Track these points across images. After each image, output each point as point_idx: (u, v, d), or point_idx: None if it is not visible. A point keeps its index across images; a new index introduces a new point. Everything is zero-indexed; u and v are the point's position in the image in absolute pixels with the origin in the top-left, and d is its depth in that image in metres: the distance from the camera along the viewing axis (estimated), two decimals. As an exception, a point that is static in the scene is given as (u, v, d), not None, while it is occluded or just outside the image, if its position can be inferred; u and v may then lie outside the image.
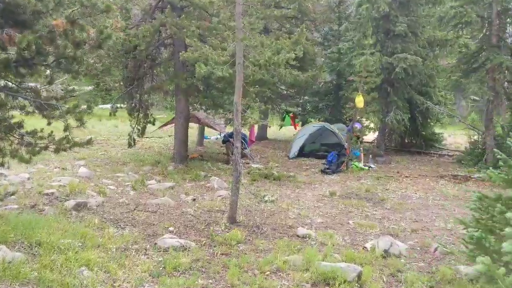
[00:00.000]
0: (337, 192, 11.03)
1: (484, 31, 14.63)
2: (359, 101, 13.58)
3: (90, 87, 34.21)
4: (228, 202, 9.26)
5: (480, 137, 16.05)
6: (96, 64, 12.95)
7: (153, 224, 7.69)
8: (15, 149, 6.14)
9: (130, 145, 13.62)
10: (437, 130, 19.57)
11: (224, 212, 8.65)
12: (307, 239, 7.34)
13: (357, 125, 14.84)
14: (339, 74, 19.88)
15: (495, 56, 13.54)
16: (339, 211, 9.37)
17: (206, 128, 18.00)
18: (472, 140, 16.51)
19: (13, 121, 6.00)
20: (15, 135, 6.07)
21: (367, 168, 14.55)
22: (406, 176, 13.57)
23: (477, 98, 19.93)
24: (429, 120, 18.44)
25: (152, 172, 12.31)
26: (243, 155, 15.12)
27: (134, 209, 8.53)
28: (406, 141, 18.59)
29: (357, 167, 14.49)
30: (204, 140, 19.11)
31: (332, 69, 19.57)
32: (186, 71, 12.35)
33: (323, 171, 13.81)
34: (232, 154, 15.37)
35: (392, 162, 16.14)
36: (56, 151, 6.55)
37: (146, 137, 19.45)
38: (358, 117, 14.03)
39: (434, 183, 12.74)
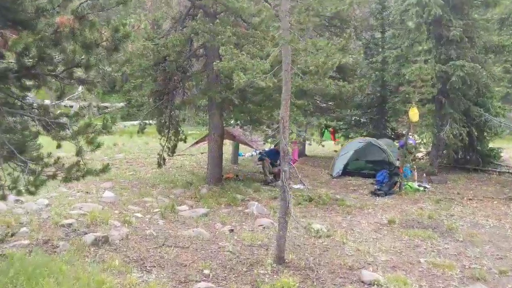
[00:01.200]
0: (395, 219, 9.52)
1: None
2: (414, 114, 12.06)
3: (121, 104, 33.69)
4: (272, 234, 7.94)
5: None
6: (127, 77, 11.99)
7: (185, 265, 6.41)
8: (15, 179, 4.98)
9: (159, 165, 12.48)
10: (493, 144, 17.69)
11: (268, 247, 7.30)
12: (375, 286, 5.90)
13: (411, 141, 13.30)
14: (383, 85, 18.36)
15: None
16: (404, 245, 7.87)
17: (240, 144, 16.79)
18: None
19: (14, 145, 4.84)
20: (16, 161, 4.91)
21: (422, 189, 12.94)
22: (470, 199, 11.90)
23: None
24: (485, 134, 16.62)
25: (184, 195, 11.09)
26: (275, 173, 13.79)
27: (163, 244, 7.28)
28: (459, 157, 16.79)
29: (411, 188, 12.90)
30: (238, 157, 17.87)
31: (376, 80, 18.07)
32: (220, 84, 11.16)
33: (374, 193, 12.30)
34: (271, 174, 14.20)
35: (448, 181, 14.45)
36: (66, 180, 5.36)
37: (178, 155, 18.49)
38: (411, 132, 12.47)
39: (504, 207, 11.04)
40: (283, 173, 6.37)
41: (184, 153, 18.34)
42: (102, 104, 43.05)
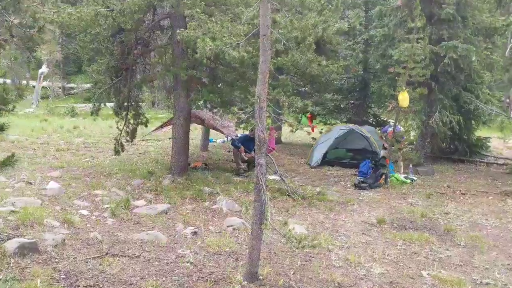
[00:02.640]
0: (385, 218, 8.31)
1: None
2: (404, 98, 10.83)
3: (88, 85, 31.55)
4: (243, 238, 6.60)
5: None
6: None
7: (131, 284, 4.99)
8: None
9: (117, 152, 10.94)
10: (480, 134, 16.71)
11: (238, 256, 5.95)
12: (373, 314, 4.63)
13: (398, 129, 12.12)
14: (366, 68, 17.12)
15: None
16: (399, 252, 6.64)
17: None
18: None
19: None
20: None
21: (409, 181, 11.80)
22: (462, 193, 10.80)
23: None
24: (473, 123, 15.60)
25: (143, 187, 9.61)
26: (248, 161, 12.42)
27: (107, 253, 5.83)
28: (444, 146, 15.73)
29: (397, 180, 11.75)
30: (209, 143, 16.40)
31: (358, 62, 16.81)
32: (187, 59, 9.65)
33: (358, 186, 11.07)
34: (244, 162, 12.81)
35: (435, 173, 13.38)
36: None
37: (142, 140, 16.90)
38: (401, 119, 11.25)
39: (501, 203, 9.98)
40: (259, 167, 4.99)
41: (150, 138, 16.80)
42: (67, 85, 40.91)
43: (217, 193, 9.41)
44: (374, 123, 17.74)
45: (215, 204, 8.56)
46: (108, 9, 8.93)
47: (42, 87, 36.45)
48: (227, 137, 14.60)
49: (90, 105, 26.54)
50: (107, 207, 7.91)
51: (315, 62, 10.18)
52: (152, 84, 15.06)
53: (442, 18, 12.80)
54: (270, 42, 4.89)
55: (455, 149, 15.73)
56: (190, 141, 17.93)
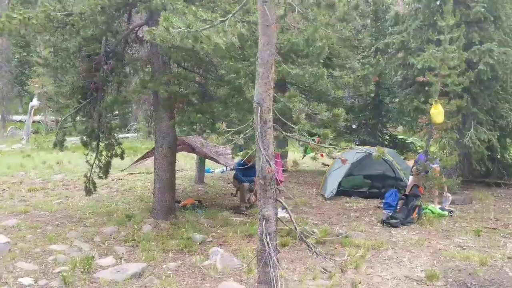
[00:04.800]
0: (436, 271, 6.17)
1: None
2: (438, 112, 8.83)
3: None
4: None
5: None
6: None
7: None
8: None
9: (89, 192, 8.90)
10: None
11: None
12: None
13: (422, 157, 10.06)
14: (379, 84, 15.17)
15: None
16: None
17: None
18: None
19: None
20: None
21: (447, 213, 9.68)
22: (518, 227, 8.70)
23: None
24: (508, 140, 13.54)
25: (116, 237, 7.54)
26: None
27: None
28: (478, 168, 13.59)
29: (433, 213, 9.64)
30: (206, 174, 14.35)
31: (379, 74, 14.86)
32: (169, 73, 7.71)
33: (386, 222, 8.95)
34: (248, 199, 10.66)
35: (473, 201, 11.26)
36: None
37: (130, 174, 14.88)
38: (436, 136, 9.20)
39: None
40: (264, 223, 2.96)
41: (139, 170, 14.80)
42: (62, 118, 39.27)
43: (210, 241, 7.32)
44: (390, 144, 15.69)
45: (207, 259, 6.46)
46: (65, 12, 7.04)
47: (34, 121, 34.74)
48: (226, 167, 12.53)
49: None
50: (58, 272, 5.82)
51: (323, 76, 8.24)
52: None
53: (471, 19, 10.90)
54: (275, 14, 2.91)
55: (487, 171, 13.60)
56: (185, 172, 16.04)
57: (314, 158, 5.24)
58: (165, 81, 7.38)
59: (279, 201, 3.47)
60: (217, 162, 10.16)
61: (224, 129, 3.84)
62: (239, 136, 5.66)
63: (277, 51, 7.32)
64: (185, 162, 16.64)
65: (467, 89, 11.17)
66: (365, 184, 12.86)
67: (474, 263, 6.58)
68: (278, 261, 3.06)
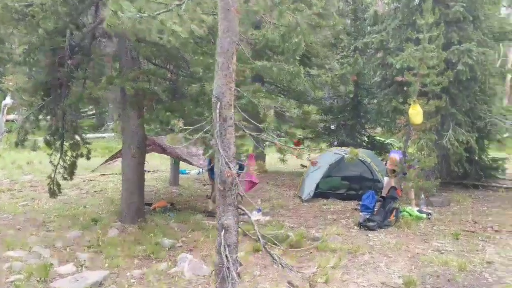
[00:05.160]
0: (413, 277, 5.93)
1: None
2: (416, 113, 8.64)
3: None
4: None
5: None
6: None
7: None
8: None
9: (53, 194, 8.44)
10: (495, 153, 14.55)
11: None
12: None
13: (396, 155, 9.85)
14: (358, 84, 14.97)
15: None
16: None
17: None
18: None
19: None
20: None
21: (425, 216, 9.49)
22: (496, 230, 8.52)
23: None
24: (486, 141, 13.44)
25: (79, 242, 7.12)
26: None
27: None
28: (456, 170, 13.46)
29: (411, 215, 9.43)
30: (181, 175, 13.95)
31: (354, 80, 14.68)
32: (137, 69, 7.33)
33: (363, 225, 8.71)
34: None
35: (451, 203, 11.12)
36: None
37: (102, 174, 14.38)
38: (415, 137, 9.00)
39: (552, 243, 7.71)
40: (223, 232, 2.63)
41: (111, 171, 14.31)
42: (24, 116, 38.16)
43: (180, 246, 6.96)
44: (369, 145, 15.50)
45: (175, 266, 6.10)
46: (24, 3, 6.60)
47: (7, 120, 33.69)
48: (201, 169, 12.14)
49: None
50: (12, 281, 5.39)
51: (300, 74, 7.94)
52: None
53: (450, 18, 10.75)
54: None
55: (465, 172, 13.49)
56: (160, 174, 15.59)
57: (282, 160, 4.92)
58: (132, 77, 6.99)
59: (240, 208, 3.14)
60: (190, 163, 9.78)
61: (180, 127, 3.49)
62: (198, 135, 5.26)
63: (252, 47, 7.03)
64: (161, 163, 16.20)
65: (446, 89, 11.03)
66: (342, 186, 12.65)
67: (453, 268, 6.36)
68: (238, 276, 2.74)
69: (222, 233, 2.73)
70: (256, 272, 6.06)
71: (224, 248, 2.72)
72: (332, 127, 15.87)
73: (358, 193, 11.40)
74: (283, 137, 15.65)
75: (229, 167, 2.66)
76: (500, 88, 13.43)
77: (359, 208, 10.10)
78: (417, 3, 11.12)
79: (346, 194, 11.91)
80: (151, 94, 7.17)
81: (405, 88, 8.88)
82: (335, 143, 15.33)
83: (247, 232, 3.92)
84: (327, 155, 11.91)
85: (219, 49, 2.77)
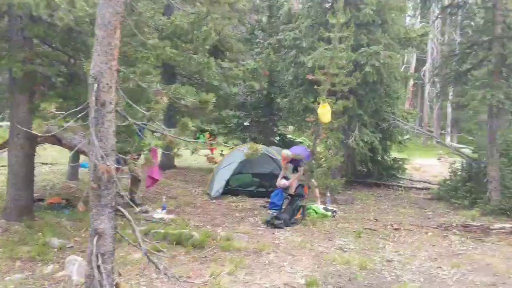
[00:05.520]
0: (316, 277, 5.88)
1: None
2: (325, 112, 8.67)
3: None
4: None
5: (465, 163, 11.95)
6: None
7: None
8: None
9: None
10: (397, 154, 15.29)
11: None
12: None
13: (300, 151, 9.88)
14: (271, 81, 14.99)
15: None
16: None
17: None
18: (452, 168, 12.34)
19: None
20: None
21: (330, 214, 9.63)
22: (396, 229, 8.82)
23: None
24: (388, 142, 14.05)
25: (-49, 243, 6.24)
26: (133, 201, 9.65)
27: None
28: (360, 169, 13.94)
29: (317, 213, 9.52)
30: (82, 169, 13.02)
31: (266, 75, 14.64)
32: (28, 50, 6.57)
33: (271, 223, 8.61)
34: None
35: (355, 201, 11.44)
36: None
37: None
38: (323, 136, 9.07)
39: (445, 241, 8.08)
40: (96, 239, 2.23)
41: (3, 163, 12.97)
42: None
43: (71, 247, 6.35)
44: (280, 143, 15.60)
45: (62, 269, 5.51)
46: None
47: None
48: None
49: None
50: None
51: (211, 66, 7.65)
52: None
53: (360, 21, 11.02)
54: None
55: (368, 171, 14.02)
56: (59, 167, 14.46)
57: (177, 155, 4.57)
58: (21, 58, 6.24)
59: (119, 209, 2.76)
60: (87, 155, 9.05)
61: (51, 112, 3.02)
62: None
63: (159, 35, 6.58)
64: (61, 155, 15.05)
65: (353, 90, 11.32)
66: (253, 183, 12.55)
67: (354, 267, 6.41)
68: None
69: (95, 240, 2.33)
70: (153, 275, 5.65)
71: (97, 257, 2.32)
72: (246, 123, 15.76)
73: (268, 190, 11.34)
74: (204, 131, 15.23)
75: (104, 160, 2.26)
76: (403, 92, 14.12)
77: (267, 205, 10.06)
78: (330, 3, 11.27)
79: (256, 191, 11.82)
80: (43, 78, 6.46)
81: (315, 87, 8.88)
82: (248, 139, 15.24)
83: (127, 240, 3.50)
84: (238, 152, 11.73)
85: (99, 20, 2.37)
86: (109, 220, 2.38)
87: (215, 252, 6.82)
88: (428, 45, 25.11)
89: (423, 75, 30.77)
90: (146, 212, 9.10)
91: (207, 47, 6.89)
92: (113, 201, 2.51)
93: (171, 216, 8.86)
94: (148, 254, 3.19)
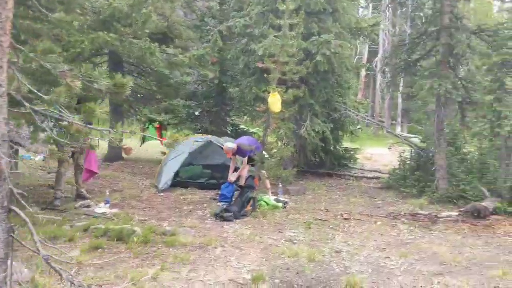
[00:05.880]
0: (263, 271, 5.67)
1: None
2: (275, 101, 8.46)
3: None
4: None
5: (413, 153, 12.12)
6: None
7: None
8: None
9: None
10: (348, 144, 15.36)
11: None
12: None
13: (246, 141, 9.64)
14: (223, 70, 14.67)
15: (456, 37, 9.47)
16: None
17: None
18: (402, 157, 12.49)
19: None
20: None
21: (281, 205, 9.47)
22: (345, 218, 8.77)
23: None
24: (340, 132, 14.09)
25: None
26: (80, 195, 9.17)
27: None
28: (313, 159, 13.90)
29: (268, 204, 9.34)
30: (26, 161, 12.31)
31: (215, 62, 14.29)
32: None
33: (219, 216, 8.34)
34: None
35: (306, 191, 11.36)
36: None
37: None
38: (274, 126, 8.86)
39: (394, 230, 8.08)
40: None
41: None
42: None
43: (-1, 247, 5.83)
44: (233, 134, 15.33)
45: (-15, 272, 5.01)
46: None
47: None
48: (41, 154, 10.74)
49: None
50: None
51: (154, 51, 7.24)
52: None
53: (311, 9, 10.86)
54: None
55: (321, 161, 14.01)
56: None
57: (92, 146, 4.21)
58: None
59: (13, 210, 2.40)
60: (22, 146, 8.49)
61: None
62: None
63: (95, 17, 6.12)
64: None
65: (305, 80, 11.19)
66: (204, 175, 12.24)
67: (303, 259, 6.25)
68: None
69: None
70: (91, 275, 5.27)
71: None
72: (196, 113, 15.37)
73: (219, 182, 11.06)
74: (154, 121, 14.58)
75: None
76: (354, 82, 14.15)
77: (217, 198, 9.79)
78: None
79: (206, 183, 11.52)
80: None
81: (265, 75, 8.65)
82: (200, 130, 14.89)
83: (25, 245, 3.13)
84: (188, 142, 11.40)
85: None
86: (0, 222, 2.04)
87: (158, 248, 6.49)
88: (379, 36, 25.45)
89: (375, 66, 31.30)
90: (88, 206, 8.62)
91: (147, 31, 6.49)
92: (5, 200, 2.16)
93: (114, 211, 8.44)
94: (50, 261, 2.83)
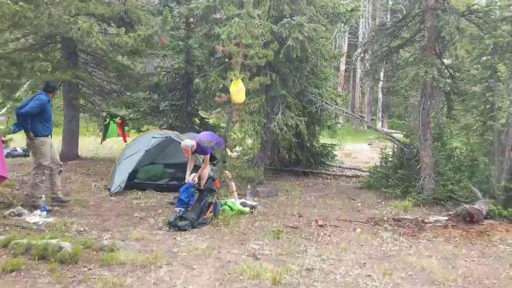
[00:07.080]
0: (214, 302, 4.50)
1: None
2: (238, 90, 7.26)
3: None
4: None
5: (396, 149, 11.08)
6: None
7: None
8: None
9: None
10: (325, 140, 14.28)
11: None
12: None
13: (206, 137, 8.35)
14: (189, 59, 13.40)
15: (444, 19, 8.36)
16: None
17: None
18: (383, 153, 11.45)
19: None
20: None
21: (248, 210, 8.29)
22: (320, 225, 7.65)
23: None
24: (317, 127, 12.98)
25: None
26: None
27: None
28: (287, 157, 12.74)
29: (232, 210, 8.15)
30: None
31: (179, 51, 13.02)
32: None
33: (173, 225, 7.11)
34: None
35: (279, 193, 10.22)
36: None
37: None
38: (237, 119, 7.63)
39: (375, 239, 6.99)
40: None
41: None
42: None
43: None
44: (201, 129, 14.07)
45: None
46: None
47: None
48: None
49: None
50: None
51: (92, 31, 5.97)
52: None
53: (282, -11, 9.68)
54: None
55: (296, 159, 12.87)
56: None
57: None
58: None
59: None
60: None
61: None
62: None
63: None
64: None
65: (275, 68, 10.02)
66: (165, 175, 11.03)
67: (266, 282, 5.08)
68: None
69: None
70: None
71: None
72: (160, 107, 14.08)
73: (181, 183, 9.84)
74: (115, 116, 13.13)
75: None
76: (331, 72, 13.06)
77: (175, 202, 8.56)
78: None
79: (166, 185, 10.29)
80: None
81: (226, 60, 7.44)
82: (164, 126, 13.61)
83: None
84: (145, 139, 10.16)
85: None
86: None
87: (89, 269, 5.24)
88: (359, 27, 24.48)
89: (355, 60, 30.33)
90: (20, 215, 7.30)
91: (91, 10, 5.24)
92: None
93: (50, 220, 7.14)
94: None
